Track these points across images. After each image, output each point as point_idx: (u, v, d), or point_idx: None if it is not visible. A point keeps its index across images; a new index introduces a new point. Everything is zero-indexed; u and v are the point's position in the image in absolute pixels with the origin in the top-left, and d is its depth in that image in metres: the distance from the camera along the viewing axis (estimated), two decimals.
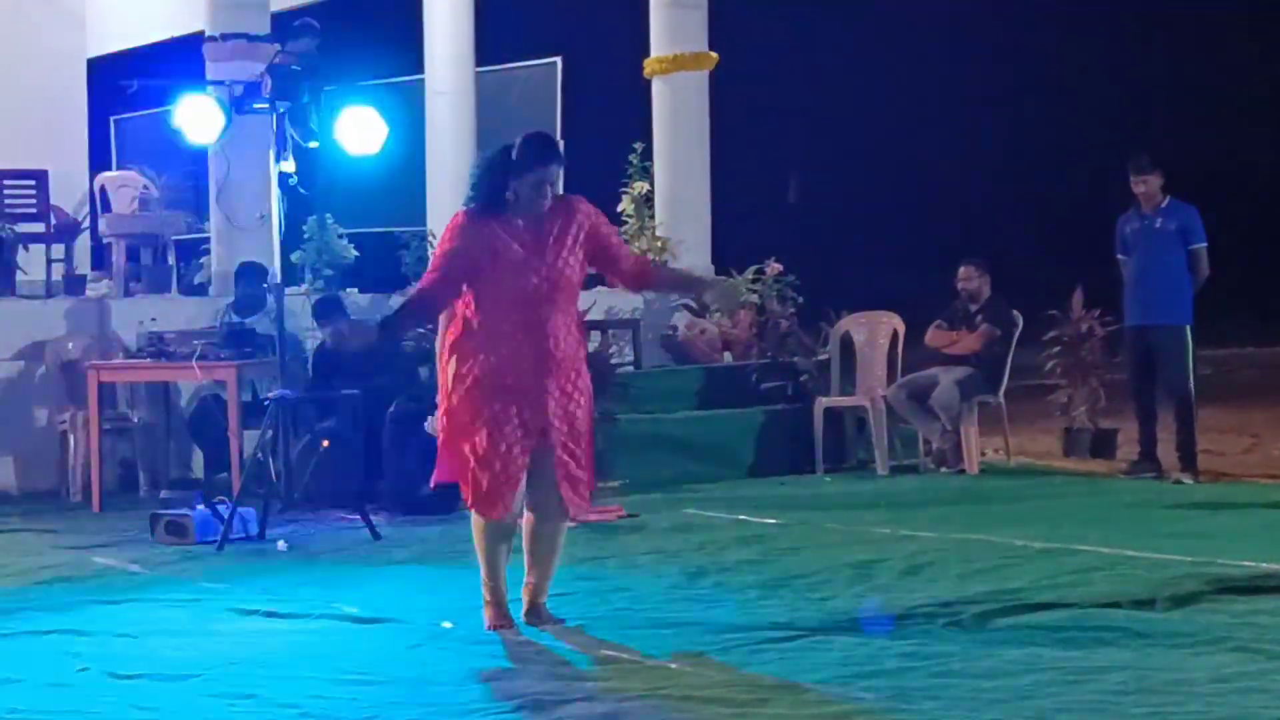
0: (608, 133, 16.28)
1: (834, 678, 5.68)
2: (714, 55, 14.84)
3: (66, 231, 13.52)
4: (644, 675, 5.80)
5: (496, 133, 12.72)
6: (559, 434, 6.54)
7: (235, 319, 11.56)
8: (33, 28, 15.01)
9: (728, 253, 14.81)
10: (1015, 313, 12.22)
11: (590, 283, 13.64)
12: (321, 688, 5.74)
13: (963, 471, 11.85)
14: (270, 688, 5.74)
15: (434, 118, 15.66)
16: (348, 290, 12.55)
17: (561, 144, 7.12)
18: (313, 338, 11.75)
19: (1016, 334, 12.18)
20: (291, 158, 10.08)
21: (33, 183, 13.24)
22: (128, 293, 13.69)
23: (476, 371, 6.51)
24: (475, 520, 6.67)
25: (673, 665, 5.95)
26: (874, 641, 6.26)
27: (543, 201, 6.53)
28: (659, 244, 14.29)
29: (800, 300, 13.58)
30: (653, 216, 14.49)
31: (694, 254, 14.63)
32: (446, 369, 6.64)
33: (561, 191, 6.80)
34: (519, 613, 6.73)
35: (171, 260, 14.39)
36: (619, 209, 14.40)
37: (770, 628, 6.54)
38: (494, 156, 6.64)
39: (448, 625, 6.73)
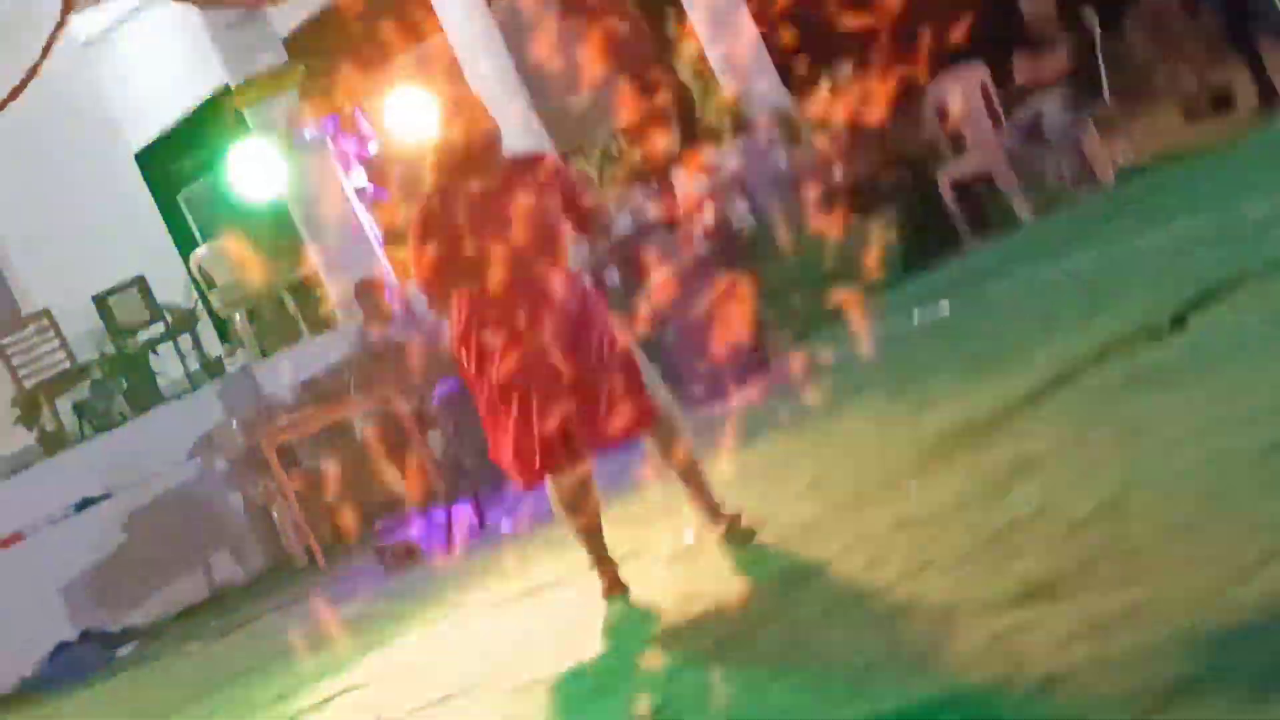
0: None
1: None
2: None
3: (184, 320, 13.63)
4: None
5: None
6: (581, 364, 6.17)
7: (371, 336, 11.66)
8: (78, 150, 15.09)
9: None
10: (1089, 10, 11.87)
11: None
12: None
13: (1099, 184, 11.57)
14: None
15: None
16: None
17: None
18: None
19: (1098, 36, 11.87)
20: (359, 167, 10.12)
21: (136, 290, 13.35)
22: (263, 354, 13.83)
23: (478, 346, 6.23)
24: (550, 491, 6.37)
25: None
26: None
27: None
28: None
29: None
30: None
31: None
32: (460, 354, 6.35)
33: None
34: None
35: (291, 307, 14.46)
36: None
37: None
38: None
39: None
